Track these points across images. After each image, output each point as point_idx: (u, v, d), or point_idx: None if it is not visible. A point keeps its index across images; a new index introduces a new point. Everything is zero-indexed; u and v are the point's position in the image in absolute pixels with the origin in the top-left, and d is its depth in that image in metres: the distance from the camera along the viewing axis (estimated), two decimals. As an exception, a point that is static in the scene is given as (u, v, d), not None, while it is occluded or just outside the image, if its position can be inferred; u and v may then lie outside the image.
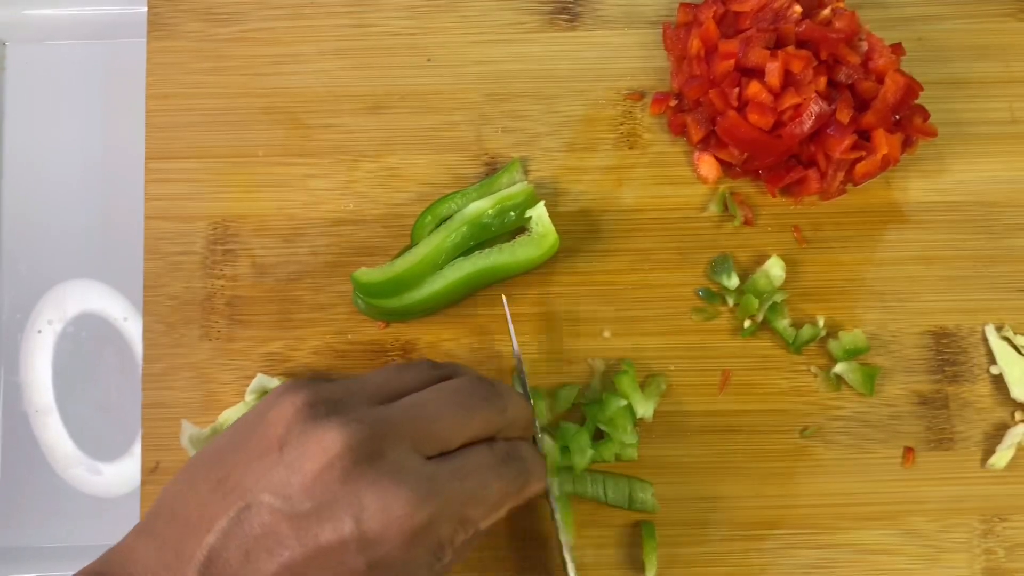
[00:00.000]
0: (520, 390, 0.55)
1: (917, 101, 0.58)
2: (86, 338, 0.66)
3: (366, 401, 0.45)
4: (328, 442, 0.41)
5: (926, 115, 0.58)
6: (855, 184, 0.59)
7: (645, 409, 0.56)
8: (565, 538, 0.53)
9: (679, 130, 0.61)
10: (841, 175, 0.58)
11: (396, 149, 0.61)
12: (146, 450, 0.58)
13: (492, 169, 0.61)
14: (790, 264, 0.59)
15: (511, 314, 0.57)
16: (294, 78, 0.62)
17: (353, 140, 0.61)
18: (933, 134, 0.58)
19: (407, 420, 0.44)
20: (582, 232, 0.60)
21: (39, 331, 0.66)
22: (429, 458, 0.44)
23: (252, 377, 0.57)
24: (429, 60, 0.62)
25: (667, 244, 0.60)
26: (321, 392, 0.44)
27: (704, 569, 0.57)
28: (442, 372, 0.50)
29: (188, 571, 0.40)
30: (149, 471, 0.58)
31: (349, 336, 0.59)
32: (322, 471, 0.41)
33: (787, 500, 0.57)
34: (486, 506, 0.45)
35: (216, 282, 0.60)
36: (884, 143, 0.56)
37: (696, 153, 0.60)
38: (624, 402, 0.56)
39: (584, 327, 0.59)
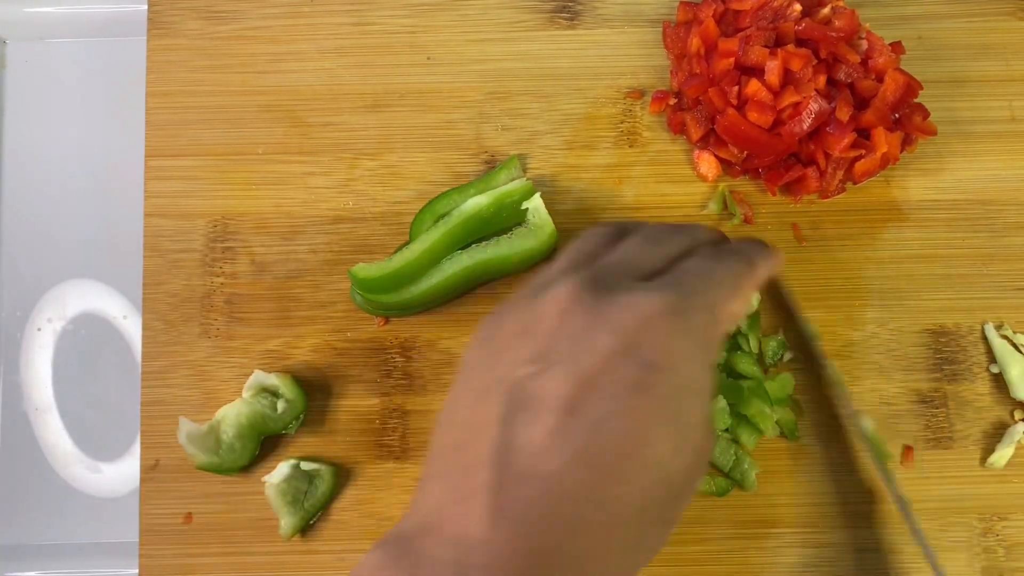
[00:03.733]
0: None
1: (917, 99, 0.58)
2: (86, 337, 0.66)
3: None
4: (555, 297, 0.42)
5: (926, 113, 0.58)
6: (854, 182, 0.59)
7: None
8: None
9: (679, 128, 0.61)
10: (840, 173, 0.58)
11: (395, 147, 0.61)
12: (145, 448, 0.58)
13: (492, 167, 0.61)
14: (790, 263, 0.59)
15: None
16: (294, 76, 0.62)
17: (352, 138, 0.61)
18: (933, 132, 0.58)
19: (619, 262, 0.45)
20: (582, 230, 0.60)
21: (39, 329, 0.66)
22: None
23: (251, 374, 0.57)
24: (429, 58, 0.62)
25: (666, 242, 0.60)
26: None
27: (704, 568, 0.57)
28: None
29: (477, 498, 0.38)
30: (148, 469, 0.58)
31: (348, 334, 0.59)
32: (562, 318, 0.41)
33: (787, 500, 0.57)
34: (723, 287, 0.44)
35: (215, 280, 0.60)
36: (884, 141, 0.56)
37: (696, 151, 0.60)
38: (769, 408, 0.56)
39: (583, 325, 0.59)
